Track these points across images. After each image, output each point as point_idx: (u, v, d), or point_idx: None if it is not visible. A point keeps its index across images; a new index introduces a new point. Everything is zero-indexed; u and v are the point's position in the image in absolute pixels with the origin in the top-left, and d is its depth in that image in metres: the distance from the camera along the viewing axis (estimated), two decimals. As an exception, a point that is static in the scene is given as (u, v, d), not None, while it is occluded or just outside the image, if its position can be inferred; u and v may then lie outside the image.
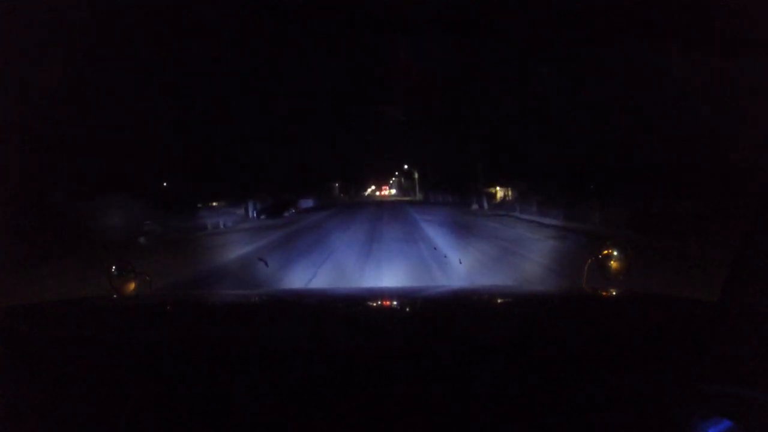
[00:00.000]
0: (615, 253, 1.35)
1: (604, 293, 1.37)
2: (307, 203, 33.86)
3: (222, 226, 18.52)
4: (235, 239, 13.09)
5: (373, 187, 75.33)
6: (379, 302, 1.47)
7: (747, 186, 6.11)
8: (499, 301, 1.49)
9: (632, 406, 0.77)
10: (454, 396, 0.78)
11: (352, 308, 1.35)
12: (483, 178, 23.38)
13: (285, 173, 27.20)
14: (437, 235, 11.12)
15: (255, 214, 22.40)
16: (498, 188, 25.39)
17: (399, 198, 54.78)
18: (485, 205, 23.31)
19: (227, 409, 0.77)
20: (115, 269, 1.39)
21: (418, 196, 47.54)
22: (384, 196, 67.30)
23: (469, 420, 0.75)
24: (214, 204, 20.80)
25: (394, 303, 1.45)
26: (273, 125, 25.38)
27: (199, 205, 19.78)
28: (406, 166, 57.12)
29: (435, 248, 8.67)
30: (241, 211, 21.97)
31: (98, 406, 0.80)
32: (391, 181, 75.10)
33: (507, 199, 23.69)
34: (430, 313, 1.28)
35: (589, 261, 1.37)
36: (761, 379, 0.71)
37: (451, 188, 30.12)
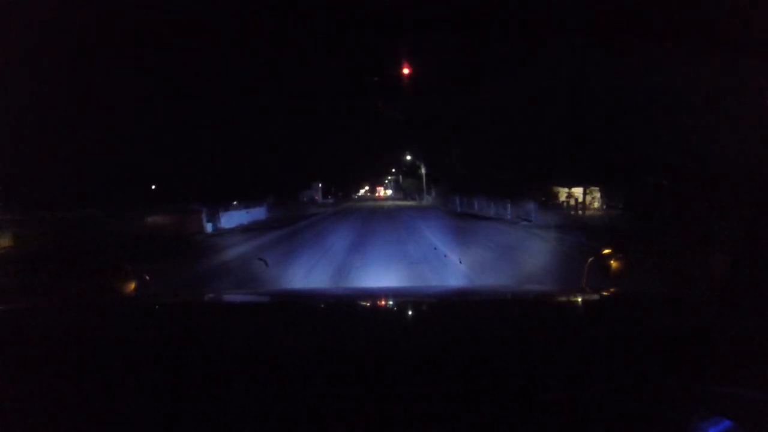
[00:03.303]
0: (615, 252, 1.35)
1: (604, 293, 1.37)
2: (258, 214, 18.35)
3: None
4: None
5: (366, 188, 66.78)
6: (381, 302, 1.47)
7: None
8: (499, 301, 1.50)
9: (632, 405, 0.77)
10: (455, 396, 0.78)
11: (352, 308, 1.35)
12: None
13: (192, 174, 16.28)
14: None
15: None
16: (559, 189, 17.09)
17: (398, 203, 36.33)
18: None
19: (227, 409, 0.77)
20: (116, 270, 1.39)
21: (426, 200, 33.95)
22: (379, 197, 57.32)
23: (470, 420, 0.75)
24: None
25: (397, 303, 1.45)
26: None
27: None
28: (408, 157, 39.95)
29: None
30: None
31: (98, 406, 0.80)
32: (386, 180, 64.40)
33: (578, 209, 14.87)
34: (431, 314, 1.28)
35: (590, 260, 1.37)
36: (761, 379, 0.71)
37: (505, 192, 16.04)
